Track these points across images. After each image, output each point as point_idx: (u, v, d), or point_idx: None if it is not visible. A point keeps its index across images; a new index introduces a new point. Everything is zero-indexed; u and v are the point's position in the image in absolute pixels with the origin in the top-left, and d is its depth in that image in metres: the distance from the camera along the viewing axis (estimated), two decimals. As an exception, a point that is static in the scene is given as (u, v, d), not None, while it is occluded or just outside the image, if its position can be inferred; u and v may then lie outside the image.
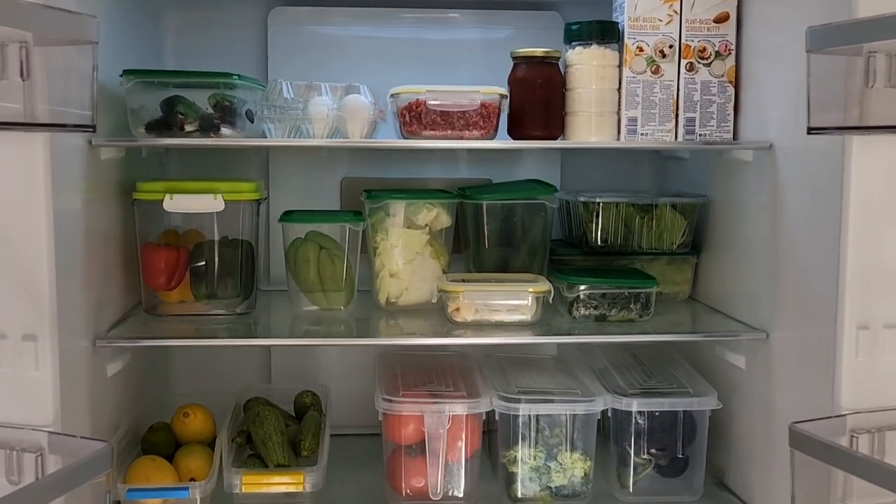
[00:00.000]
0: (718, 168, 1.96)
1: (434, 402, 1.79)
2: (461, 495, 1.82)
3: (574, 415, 1.80)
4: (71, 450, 1.30)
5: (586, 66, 1.81)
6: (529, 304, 1.81)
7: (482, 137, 1.78)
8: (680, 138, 1.83)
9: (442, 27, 2.21)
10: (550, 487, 1.81)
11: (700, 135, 1.83)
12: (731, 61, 1.83)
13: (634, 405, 1.81)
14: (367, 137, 1.81)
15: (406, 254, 1.93)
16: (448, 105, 1.76)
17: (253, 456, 1.83)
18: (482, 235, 1.97)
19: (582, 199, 2.02)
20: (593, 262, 2.06)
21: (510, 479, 1.82)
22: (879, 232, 1.45)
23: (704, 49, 1.82)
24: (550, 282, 1.85)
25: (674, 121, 1.83)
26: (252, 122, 1.78)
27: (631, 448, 1.83)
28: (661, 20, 1.81)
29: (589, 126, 1.81)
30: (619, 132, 1.82)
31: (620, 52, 1.82)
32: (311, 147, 2.11)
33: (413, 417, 1.79)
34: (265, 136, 1.82)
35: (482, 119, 1.77)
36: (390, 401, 1.79)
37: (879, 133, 1.38)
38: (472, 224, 1.98)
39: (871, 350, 1.46)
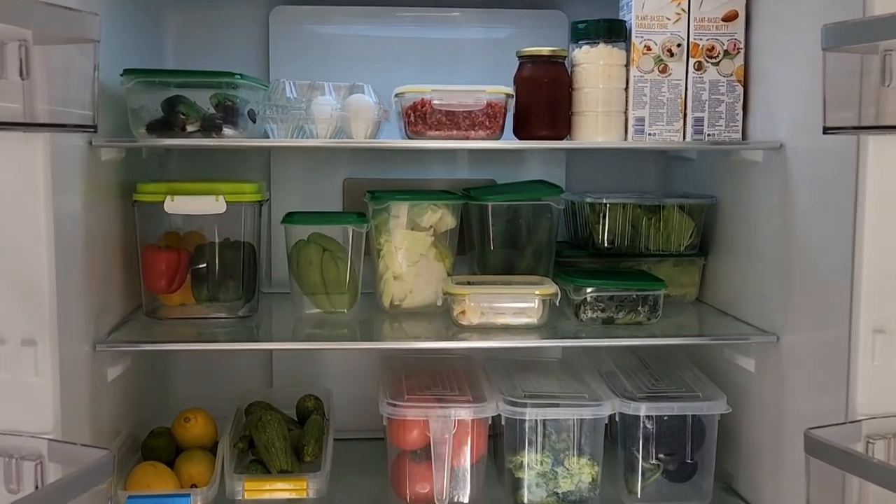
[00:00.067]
0: (726, 168, 1.94)
1: (439, 407, 1.76)
2: (466, 501, 1.79)
3: (581, 419, 1.78)
4: (71, 457, 1.27)
5: (593, 65, 1.79)
6: (536, 306, 1.78)
7: (488, 138, 1.76)
8: (688, 138, 1.81)
9: (444, 26, 2.19)
10: (557, 493, 1.79)
11: (708, 135, 1.81)
12: (739, 60, 1.80)
13: (643, 409, 1.78)
14: (371, 138, 1.79)
15: (410, 256, 1.90)
16: (453, 105, 1.73)
17: (255, 461, 1.81)
18: (487, 237, 1.95)
19: (588, 199, 1.99)
20: (599, 264, 2.04)
21: (516, 484, 1.79)
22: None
23: (713, 48, 1.80)
24: (556, 284, 1.83)
25: (682, 121, 1.81)
26: (254, 122, 1.77)
27: (639, 453, 1.80)
28: (668, 19, 1.79)
29: (596, 126, 1.79)
30: (626, 132, 1.80)
31: (628, 50, 1.79)
32: (313, 147, 2.09)
33: (418, 422, 1.76)
34: (268, 137, 1.80)
35: (488, 119, 1.74)
36: (395, 405, 1.76)
37: (896, 133, 1.36)
38: (477, 225, 1.96)
39: (887, 354, 1.44)
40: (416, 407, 1.76)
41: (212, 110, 1.72)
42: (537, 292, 1.78)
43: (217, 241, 1.82)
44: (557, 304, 1.80)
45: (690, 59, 1.79)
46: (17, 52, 1.21)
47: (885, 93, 1.30)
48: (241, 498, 1.70)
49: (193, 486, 1.76)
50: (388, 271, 1.91)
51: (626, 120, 1.80)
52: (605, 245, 2.00)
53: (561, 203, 1.97)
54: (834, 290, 1.50)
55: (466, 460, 1.78)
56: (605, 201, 1.98)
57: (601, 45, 1.78)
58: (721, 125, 1.81)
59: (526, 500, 1.79)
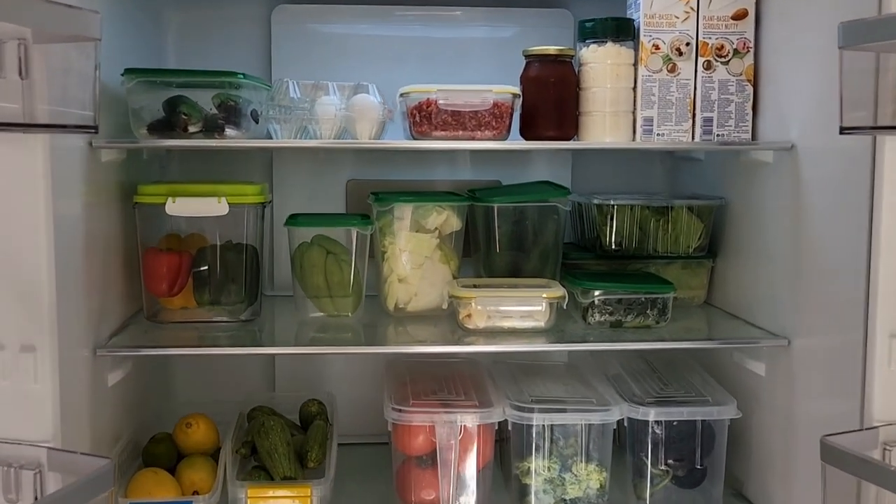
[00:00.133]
0: (736, 169, 1.92)
1: (445, 412, 1.74)
2: (473, 508, 1.77)
3: (589, 424, 1.76)
4: (71, 466, 1.25)
5: (601, 64, 1.76)
6: (543, 310, 1.76)
7: (494, 138, 1.73)
8: (697, 139, 1.79)
9: (448, 25, 2.17)
10: (565, 500, 1.76)
11: (718, 135, 1.79)
12: (749, 59, 1.78)
13: (651, 414, 1.76)
14: (375, 138, 1.76)
15: (415, 258, 1.88)
16: (459, 105, 1.71)
17: (258, 468, 1.79)
18: (493, 239, 1.92)
19: (596, 201, 1.97)
20: (607, 267, 2.01)
21: (523, 491, 1.77)
22: (913, 235, 1.40)
23: (722, 47, 1.77)
24: (563, 287, 1.80)
25: (691, 121, 1.78)
26: (257, 122, 1.75)
27: (648, 459, 1.78)
28: (677, 17, 1.76)
29: (603, 126, 1.77)
30: (634, 132, 1.78)
31: (636, 49, 1.77)
32: (316, 148, 2.07)
33: (423, 428, 1.74)
34: (271, 137, 1.78)
35: (494, 119, 1.72)
36: (400, 411, 1.74)
37: (915, 133, 1.34)
38: (483, 227, 1.94)
39: (905, 359, 1.41)
40: (421, 412, 1.74)
41: (214, 111, 1.70)
42: (545, 295, 1.76)
43: (219, 243, 1.80)
44: (565, 307, 1.77)
45: (699, 58, 1.77)
46: (15, 50, 1.19)
47: (903, 92, 1.28)
48: (244, 505, 1.68)
49: (195, 493, 1.75)
50: (392, 274, 1.89)
51: (635, 120, 1.78)
52: (613, 247, 1.97)
53: (568, 204, 1.94)
54: (848, 292, 1.47)
55: (473, 466, 1.75)
56: (612, 203, 1.96)
57: (609, 44, 1.76)
58: (730, 125, 1.79)
59: (533, 507, 1.76)
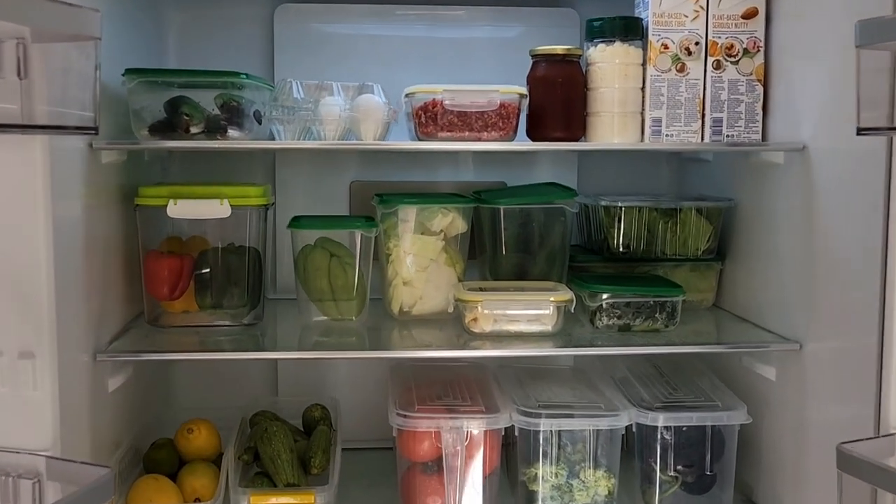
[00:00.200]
0: (745, 170, 1.89)
1: (451, 418, 1.71)
2: (479, 515, 1.74)
3: (597, 430, 1.73)
4: (70, 475, 1.22)
5: (609, 64, 1.74)
6: (551, 313, 1.74)
7: (501, 139, 1.71)
8: (706, 139, 1.77)
9: (453, 24, 2.15)
10: (573, 506, 1.74)
11: (727, 136, 1.76)
12: (759, 59, 1.76)
13: (660, 420, 1.73)
14: (380, 139, 1.74)
15: (420, 261, 1.86)
16: (466, 105, 1.68)
17: (260, 474, 1.77)
18: (499, 241, 1.90)
19: (603, 203, 1.94)
20: (614, 269, 1.99)
21: (530, 497, 1.74)
22: (930, 237, 1.38)
23: (732, 46, 1.75)
24: (571, 290, 1.77)
25: (700, 121, 1.76)
26: (260, 123, 1.73)
27: (657, 465, 1.75)
28: (686, 16, 1.74)
29: (612, 127, 1.74)
30: (642, 133, 1.76)
31: (644, 49, 1.75)
32: (320, 150, 2.04)
33: (429, 434, 1.71)
34: (273, 138, 1.76)
35: (501, 120, 1.69)
36: (405, 416, 1.71)
37: (933, 133, 1.31)
38: (489, 229, 1.92)
39: (922, 364, 1.39)
40: (427, 418, 1.71)
41: (216, 111, 1.69)
42: (552, 299, 1.73)
43: (221, 246, 1.79)
44: (573, 310, 1.75)
45: (709, 57, 1.75)
46: (14, 50, 1.17)
47: (922, 92, 1.25)
48: (246, 512, 1.66)
49: (197, 500, 1.73)
50: (397, 277, 1.86)
51: (643, 120, 1.75)
52: (621, 249, 1.95)
53: (575, 206, 1.92)
54: (863, 295, 1.45)
55: (479, 473, 1.73)
56: (620, 204, 1.93)
57: (617, 44, 1.73)
58: (740, 126, 1.76)
59: (540, 514, 1.74)
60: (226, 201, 1.69)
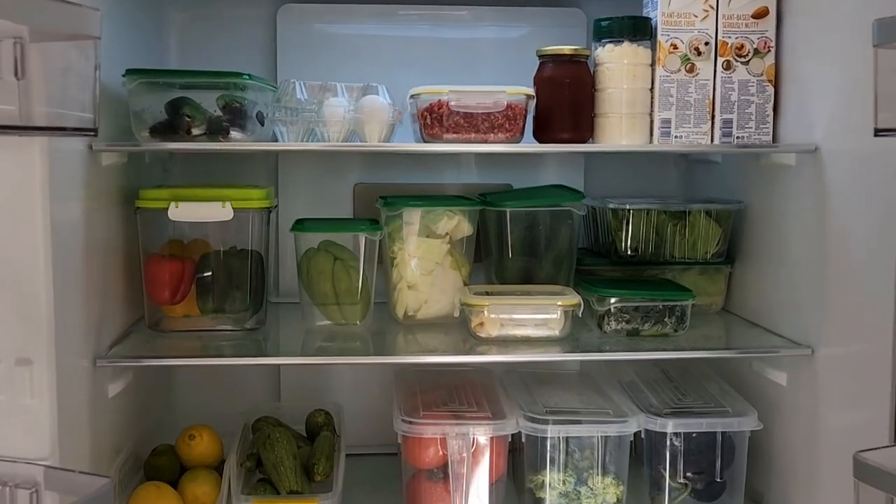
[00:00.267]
0: (755, 172, 1.86)
1: (457, 424, 1.69)
2: (486, 522, 1.72)
3: (606, 436, 1.71)
4: (69, 485, 1.20)
5: (617, 64, 1.72)
6: (558, 317, 1.71)
7: (508, 140, 1.68)
8: (716, 141, 1.74)
9: (458, 25, 2.13)
10: (581, 514, 1.72)
11: (738, 137, 1.74)
12: (770, 59, 1.73)
13: (670, 426, 1.71)
14: (384, 141, 1.72)
15: (425, 264, 1.83)
16: (472, 106, 1.66)
17: (263, 481, 1.75)
18: (505, 244, 1.87)
19: (611, 205, 1.92)
20: (622, 273, 1.96)
21: (538, 505, 1.72)
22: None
23: (742, 46, 1.73)
24: (578, 294, 1.75)
25: (710, 122, 1.74)
26: (263, 124, 1.71)
27: (666, 471, 1.73)
28: (696, 16, 1.72)
29: (620, 128, 1.72)
30: (651, 135, 1.73)
31: (653, 49, 1.72)
32: (323, 151, 2.02)
33: (434, 440, 1.69)
34: (276, 140, 1.74)
35: (508, 121, 1.67)
36: (410, 423, 1.69)
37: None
38: (495, 232, 1.89)
39: (939, 369, 1.37)
40: (432, 424, 1.69)
41: (218, 112, 1.66)
42: (560, 303, 1.71)
43: (223, 249, 1.77)
44: (580, 315, 1.72)
45: (719, 58, 1.72)
46: (12, 50, 1.14)
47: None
48: (249, 520, 1.64)
49: (199, 507, 1.70)
50: (401, 280, 1.84)
51: (652, 122, 1.73)
52: (629, 252, 1.92)
53: (582, 209, 1.89)
54: (876, 299, 1.42)
55: (485, 480, 1.70)
56: (628, 207, 1.91)
57: (625, 44, 1.71)
58: (751, 127, 1.74)
59: (548, 522, 1.71)
60: (228, 204, 1.67)
